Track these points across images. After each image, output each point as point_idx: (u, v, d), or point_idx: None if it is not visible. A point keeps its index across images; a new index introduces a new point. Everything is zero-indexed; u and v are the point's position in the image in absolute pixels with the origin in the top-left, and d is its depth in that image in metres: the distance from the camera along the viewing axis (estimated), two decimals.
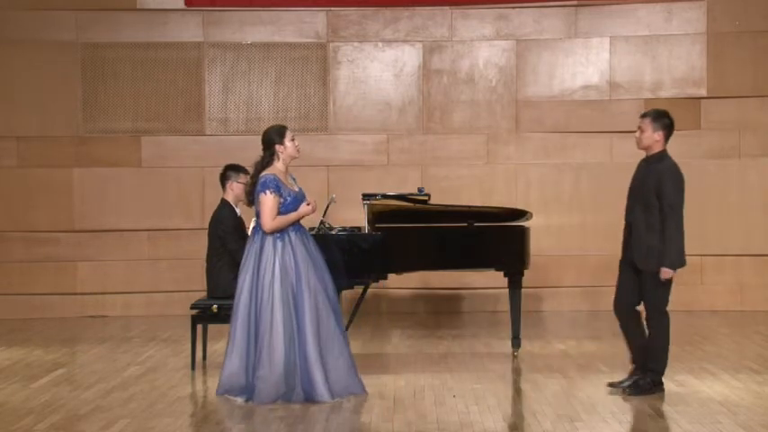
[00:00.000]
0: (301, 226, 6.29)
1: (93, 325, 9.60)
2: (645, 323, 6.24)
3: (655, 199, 6.04)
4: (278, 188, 6.14)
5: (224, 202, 7.47)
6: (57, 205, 10.15)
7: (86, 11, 10.16)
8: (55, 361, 7.65)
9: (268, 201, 6.10)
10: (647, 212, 6.07)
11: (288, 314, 6.05)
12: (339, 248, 6.95)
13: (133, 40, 10.20)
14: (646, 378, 6.17)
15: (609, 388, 6.25)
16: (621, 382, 6.24)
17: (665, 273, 6.08)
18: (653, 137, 6.15)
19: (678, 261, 6.11)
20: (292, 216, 6.16)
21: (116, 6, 10.18)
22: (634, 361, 6.27)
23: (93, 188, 10.18)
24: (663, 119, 6.17)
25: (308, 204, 6.20)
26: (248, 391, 6.08)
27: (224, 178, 7.50)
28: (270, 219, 6.10)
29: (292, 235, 6.17)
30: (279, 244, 6.12)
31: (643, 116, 6.23)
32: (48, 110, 10.17)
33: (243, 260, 6.21)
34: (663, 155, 6.16)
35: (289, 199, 6.17)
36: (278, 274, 6.07)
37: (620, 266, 6.32)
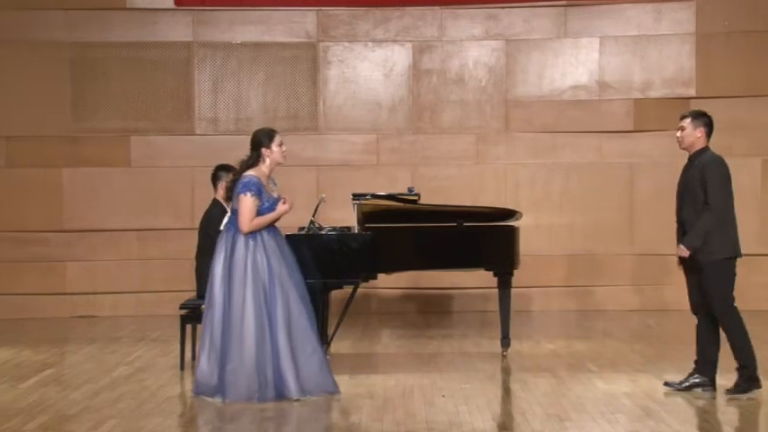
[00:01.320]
0: (274, 226, 6.29)
1: (83, 325, 9.58)
2: (718, 321, 6.19)
3: (700, 190, 6.11)
4: (259, 191, 6.16)
5: (215, 202, 7.46)
6: (46, 205, 10.12)
7: (76, 10, 10.14)
8: (44, 361, 7.62)
9: (248, 202, 6.12)
10: (697, 208, 6.13)
11: (259, 310, 6.06)
12: (328, 248, 6.94)
13: (123, 39, 10.18)
14: (742, 377, 6.14)
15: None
16: (681, 383, 6.23)
17: (680, 250, 6.14)
18: (694, 134, 6.22)
19: (696, 242, 6.14)
20: (271, 216, 6.18)
21: (106, 6, 10.16)
22: (696, 362, 6.28)
23: (82, 188, 10.16)
24: (702, 117, 6.27)
25: (284, 203, 6.21)
26: (221, 389, 6.07)
27: (215, 178, 7.50)
28: (248, 221, 6.12)
29: (264, 233, 6.18)
30: (251, 243, 6.15)
31: (682, 117, 6.29)
32: (37, 109, 10.14)
33: (215, 255, 6.22)
34: (705, 150, 6.23)
35: (267, 204, 6.19)
36: (250, 272, 6.09)
37: (683, 269, 6.34)
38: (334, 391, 6.17)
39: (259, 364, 6.03)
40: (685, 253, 6.15)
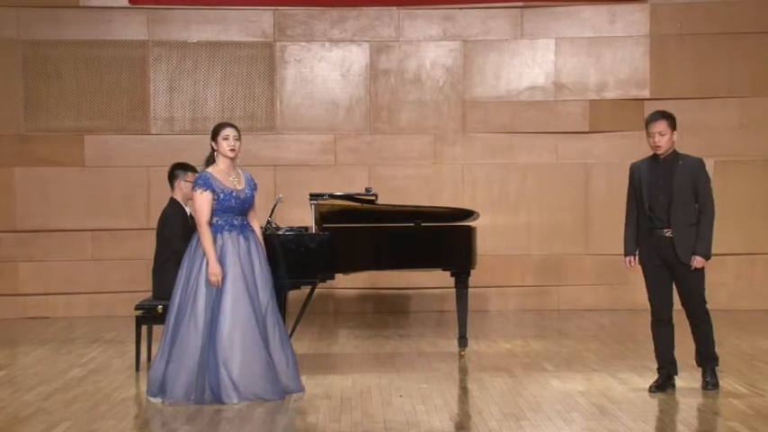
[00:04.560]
0: (246, 227, 6.26)
1: (35, 326, 9.46)
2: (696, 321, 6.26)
3: (692, 193, 6.27)
4: (208, 185, 6.14)
5: (173, 201, 7.40)
6: None
7: (28, 8, 10.01)
8: None
9: (197, 198, 6.15)
10: (689, 210, 6.29)
11: (209, 311, 6.04)
12: (286, 248, 6.92)
13: (76, 37, 10.07)
14: (713, 373, 6.28)
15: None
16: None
17: (699, 261, 6.21)
18: (672, 137, 6.28)
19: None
20: (208, 251, 6.06)
21: (59, 4, 10.04)
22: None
23: (35, 188, 10.04)
24: (672, 118, 6.32)
25: (214, 273, 6.03)
26: (163, 388, 6.07)
27: (172, 177, 7.44)
28: (202, 216, 6.10)
29: (226, 235, 6.16)
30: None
31: (656, 121, 6.20)
32: None
33: (183, 258, 6.23)
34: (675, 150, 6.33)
35: (222, 196, 6.16)
36: (203, 272, 6.08)
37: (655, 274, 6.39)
38: (274, 398, 6.07)
39: (201, 366, 6.01)
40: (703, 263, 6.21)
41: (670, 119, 6.21)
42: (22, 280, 10.04)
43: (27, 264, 10.05)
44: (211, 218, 6.16)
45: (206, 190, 6.13)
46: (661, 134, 6.16)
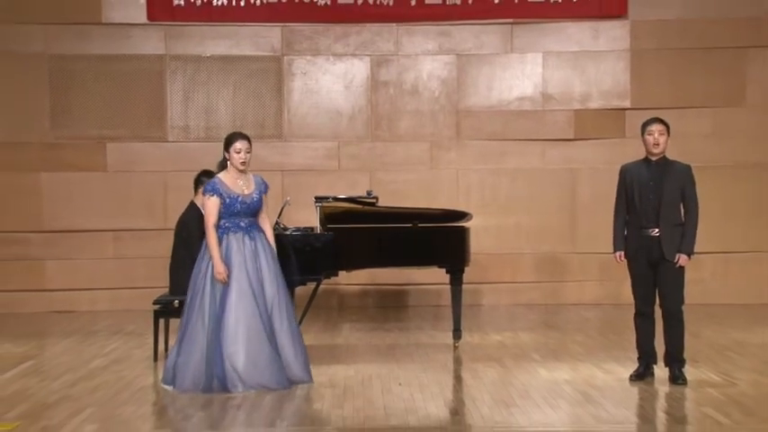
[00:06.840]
0: (253, 228, 6.25)
1: (62, 320, 9.48)
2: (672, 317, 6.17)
3: (680, 194, 6.27)
4: (215, 190, 6.16)
5: (192, 205, 7.38)
6: (27, 207, 10.01)
7: (54, 24, 10.04)
8: (24, 354, 7.54)
9: (206, 202, 6.20)
10: (677, 210, 6.29)
11: (214, 306, 6.05)
12: (292, 247, 6.94)
13: (99, 52, 10.09)
14: (682, 369, 6.21)
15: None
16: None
17: (684, 259, 6.17)
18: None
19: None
20: (212, 252, 6.08)
21: (82, 20, 10.06)
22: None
23: (61, 191, 10.06)
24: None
25: (220, 272, 6.06)
26: (174, 378, 6.10)
27: (198, 182, 7.41)
28: (209, 218, 6.13)
29: (231, 236, 6.17)
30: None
31: (658, 122, 6.27)
32: (18, 118, 10.03)
33: (197, 259, 6.26)
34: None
35: (228, 200, 6.17)
36: (210, 272, 6.10)
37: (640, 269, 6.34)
38: (279, 388, 6.06)
39: (209, 357, 6.02)
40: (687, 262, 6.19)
41: (666, 125, 6.30)
42: (49, 277, 10.06)
43: (54, 262, 10.07)
44: (219, 220, 6.18)
45: (213, 195, 6.15)
46: (661, 133, 6.23)
